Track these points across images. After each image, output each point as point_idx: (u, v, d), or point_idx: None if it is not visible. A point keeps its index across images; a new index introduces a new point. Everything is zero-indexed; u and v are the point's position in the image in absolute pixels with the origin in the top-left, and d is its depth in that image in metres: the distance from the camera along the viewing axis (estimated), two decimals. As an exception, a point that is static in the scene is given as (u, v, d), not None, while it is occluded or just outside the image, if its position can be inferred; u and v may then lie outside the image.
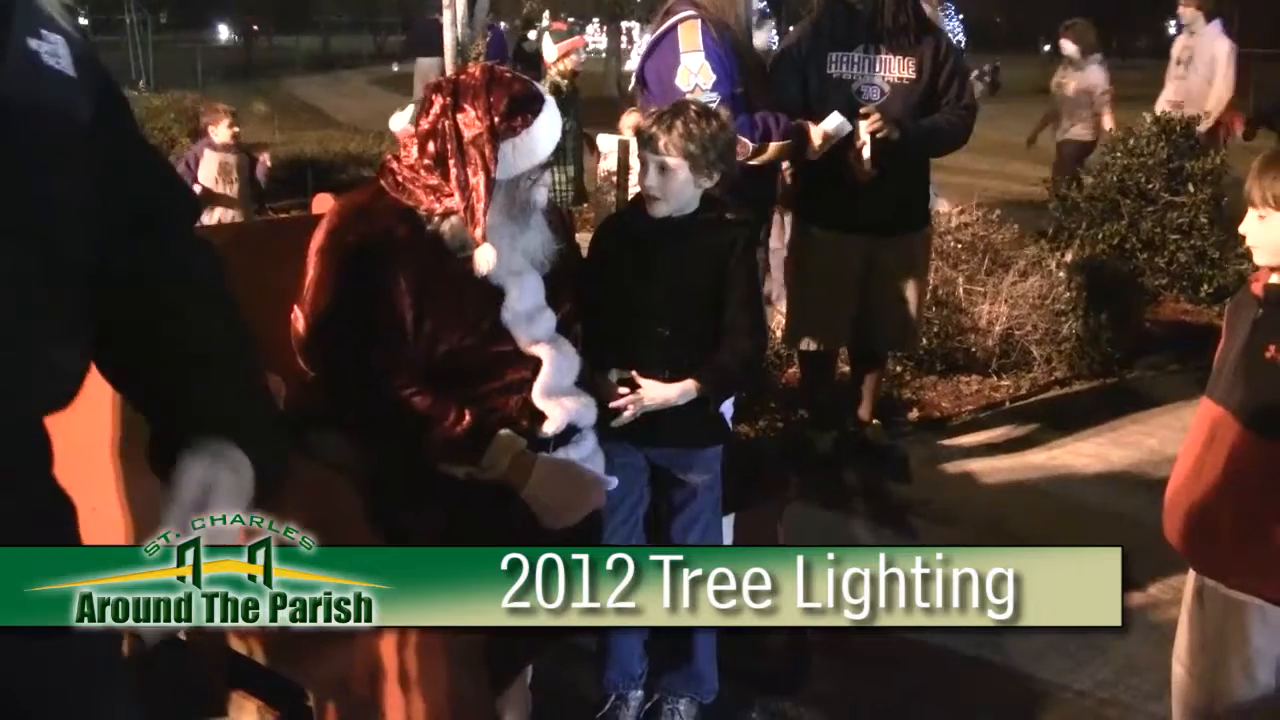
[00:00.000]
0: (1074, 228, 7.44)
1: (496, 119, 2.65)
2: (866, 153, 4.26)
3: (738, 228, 3.07)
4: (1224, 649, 2.52)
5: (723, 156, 3.02)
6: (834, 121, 4.25)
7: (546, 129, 2.74)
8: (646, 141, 3.00)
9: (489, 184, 2.65)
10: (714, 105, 3.98)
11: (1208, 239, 7.38)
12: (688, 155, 2.96)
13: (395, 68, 28.84)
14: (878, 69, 4.45)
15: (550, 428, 2.79)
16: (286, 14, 46.72)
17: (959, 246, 6.41)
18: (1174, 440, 4.86)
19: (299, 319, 2.73)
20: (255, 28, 43.70)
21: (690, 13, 4.12)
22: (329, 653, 2.65)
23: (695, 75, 4.04)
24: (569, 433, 2.83)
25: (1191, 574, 2.61)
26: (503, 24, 10.06)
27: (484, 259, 2.67)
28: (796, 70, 4.50)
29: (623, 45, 28.40)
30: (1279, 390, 2.38)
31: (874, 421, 5.11)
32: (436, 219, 2.70)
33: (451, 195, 2.67)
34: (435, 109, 2.70)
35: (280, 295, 2.96)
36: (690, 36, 4.07)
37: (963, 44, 12.01)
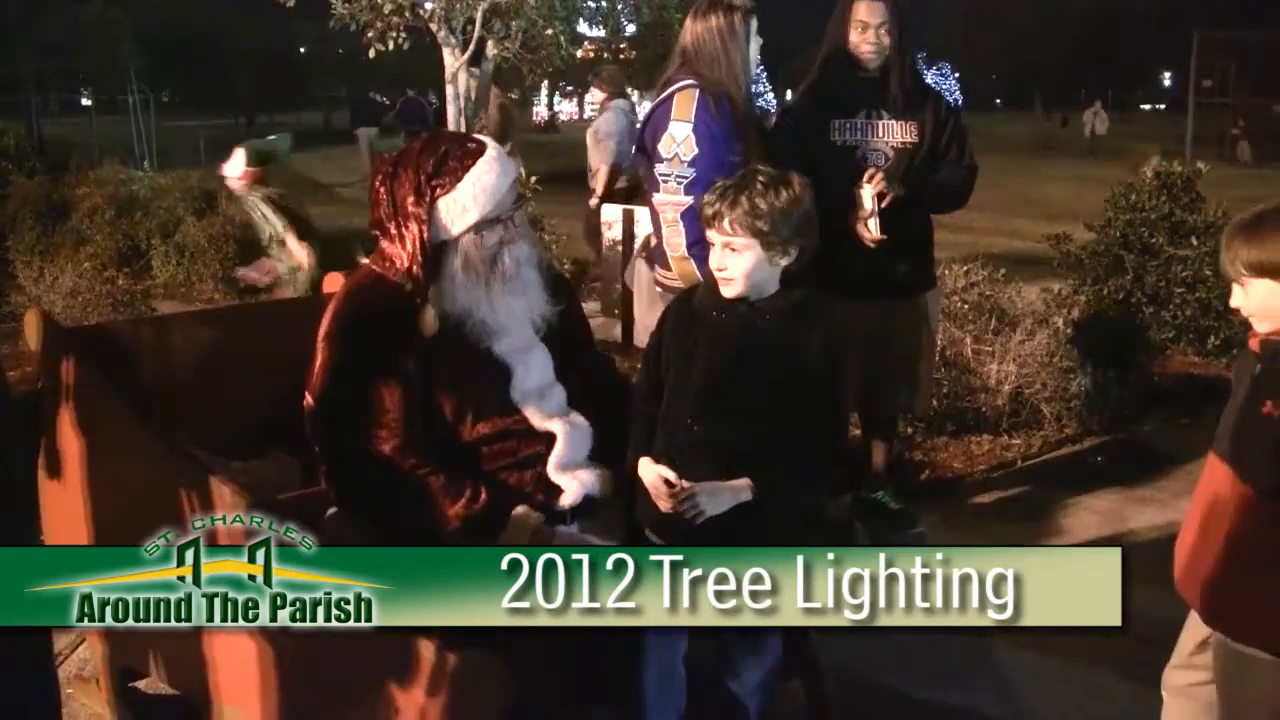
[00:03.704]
0: (1078, 284, 7.43)
1: (423, 178, 2.66)
2: (875, 219, 4.25)
3: (824, 314, 2.79)
4: (1239, 703, 2.50)
5: (799, 231, 2.72)
6: None
7: (477, 184, 2.68)
8: (711, 219, 2.73)
9: (422, 244, 2.66)
10: (686, 180, 3.98)
11: (1212, 291, 7.37)
12: (756, 233, 2.68)
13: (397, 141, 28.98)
14: (881, 134, 4.45)
15: (567, 501, 2.79)
16: (289, 95, 47.35)
17: (965, 306, 6.41)
18: (1189, 494, 4.82)
19: (309, 403, 2.73)
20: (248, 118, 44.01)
21: (689, 82, 4.13)
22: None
23: (677, 145, 4.02)
24: (586, 505, 2.82)
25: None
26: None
27: (426, 321, 2.67)
28: (796, 137, 4.51)
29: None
30: (1275, 447, 2.36)
31: (886, 485, 5.08)
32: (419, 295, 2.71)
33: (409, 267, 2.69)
34: (378, 178, 2.74)
35: (286, 376, 2.96)
36: (683, 107, 4.07)
37: (959, 102, 12.08)
